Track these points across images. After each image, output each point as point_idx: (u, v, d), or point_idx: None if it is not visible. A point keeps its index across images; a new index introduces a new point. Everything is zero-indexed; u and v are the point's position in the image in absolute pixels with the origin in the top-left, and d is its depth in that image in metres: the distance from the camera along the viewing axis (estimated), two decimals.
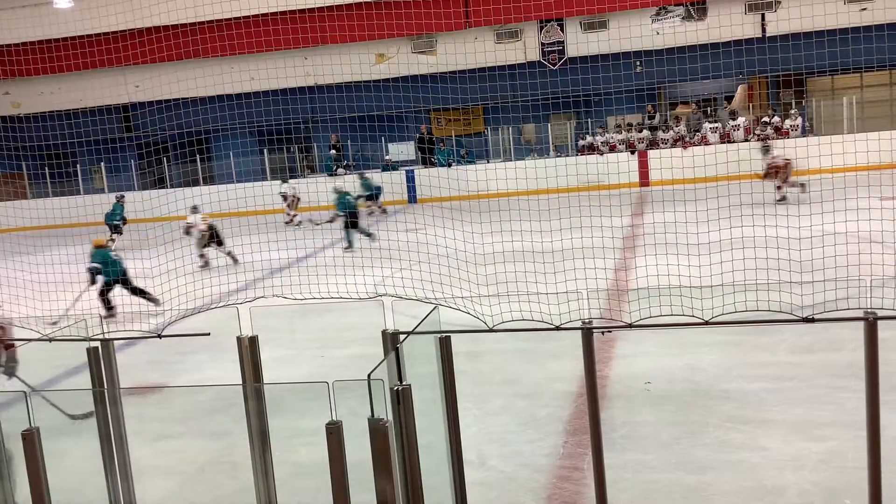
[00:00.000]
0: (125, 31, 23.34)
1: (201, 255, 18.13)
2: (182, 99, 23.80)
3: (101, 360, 4.65)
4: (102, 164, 26.59)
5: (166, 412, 7.41)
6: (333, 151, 26.80)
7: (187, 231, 18.77)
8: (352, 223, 18.20)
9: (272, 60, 24.58)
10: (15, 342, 9.65)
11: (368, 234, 18.24)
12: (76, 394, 4.74)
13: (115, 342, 4.78)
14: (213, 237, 18.74)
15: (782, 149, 19.49)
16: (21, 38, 25.46)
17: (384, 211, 23.29)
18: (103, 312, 13.37)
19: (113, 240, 21.30)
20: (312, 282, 13.30)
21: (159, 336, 5.13)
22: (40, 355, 8.83)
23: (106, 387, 4.64)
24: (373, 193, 22.58)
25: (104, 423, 4.61)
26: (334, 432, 3.96)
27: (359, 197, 21.08)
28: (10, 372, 7.12)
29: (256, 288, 13.37)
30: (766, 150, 19.10)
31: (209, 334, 4.97)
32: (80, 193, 25.44)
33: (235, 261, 17.62)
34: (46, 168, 25.88)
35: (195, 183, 25.35)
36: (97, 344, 4.67)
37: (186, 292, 12.84)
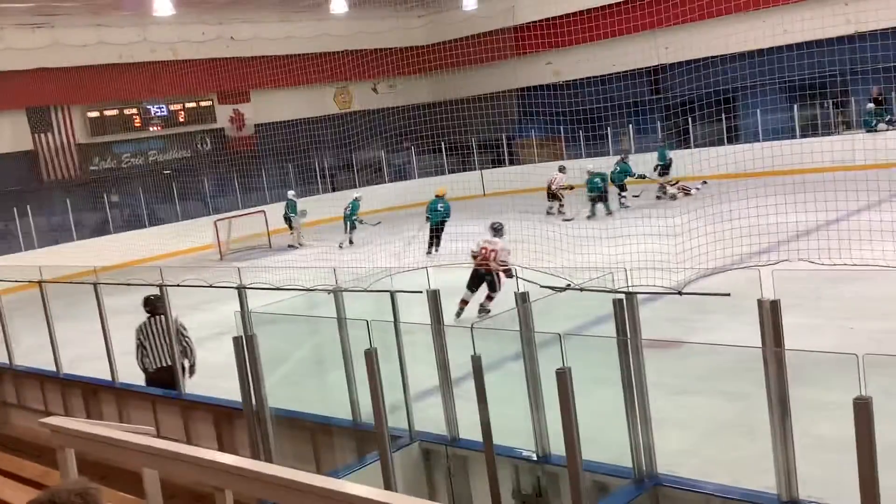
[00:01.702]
0: None
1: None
2: (710, 58, 23.71)
3: (624, 311, 4.90)
4: (630, 126, 27.70)
5: (684, 368, 7.57)
6: (872, 105, 24.40)
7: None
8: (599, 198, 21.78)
9: (806, 11, 23.10)
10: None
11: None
12: (602, 341, 5.08)
13: (639, 296, 5.00)
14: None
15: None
16: (564, 10, 27.64)
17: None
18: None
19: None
20: (843, 247, 12.41)
21: (679, 293, 5.23)
22: (573, 302, 9.59)
23: (628, 336, 4.88)
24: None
25: (626, 371, 4.87)
26: (863, 409, 3.68)
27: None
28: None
29: (781, 250, 12.88)
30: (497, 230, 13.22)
31: (729, 294, 4.93)
32: (608, 155, 26.84)
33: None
34: (580, 131, 27.80)
35: (719, 142, 25.14)
36: (622, 296, 4.93)
37: (707, 252, 12.91)
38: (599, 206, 21.91)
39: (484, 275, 12.18)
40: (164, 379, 8.50)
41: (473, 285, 12.32)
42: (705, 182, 22.74)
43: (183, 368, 8.40)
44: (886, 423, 3.76)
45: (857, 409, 3.67)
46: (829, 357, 5.27)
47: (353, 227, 22.63)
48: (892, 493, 3.82)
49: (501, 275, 12.11)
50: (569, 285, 5.69)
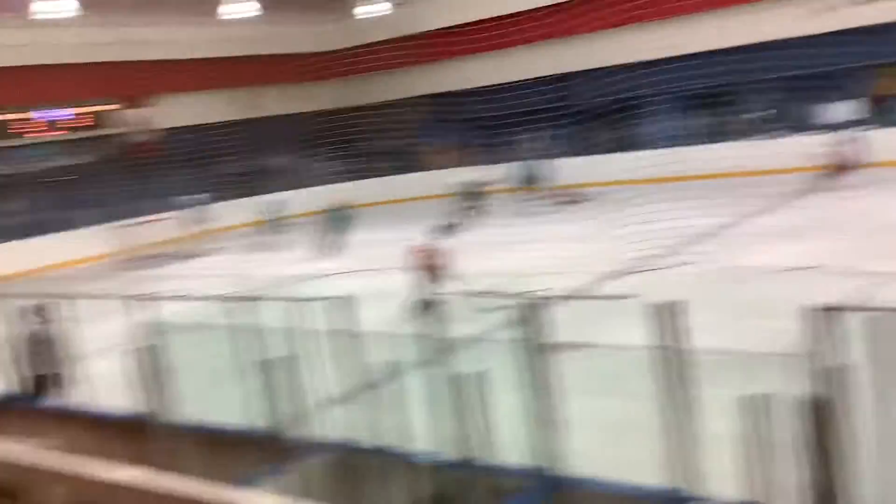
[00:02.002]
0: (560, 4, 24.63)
1: None
2: (615, 66, 24.36)
3: (531, 315, 5.01)
4: (536, 132, 28.06)
5: (588, 369, 7.74)
6: (765, 113, 25.48)
7: None
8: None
9: (706, 21, 24.02)
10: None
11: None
12: (510, 344, 5.17)
13: (545, 299, 5.11)
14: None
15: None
16: (477, 16, 27.92)
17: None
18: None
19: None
20: (740, 249, 12.92)
21: (584, 297, 5.36)
22: (481, 307, 9.71)
23: (535, 339, 4.98)
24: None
25: (533, 374, 4.97)
26: (755, 405, 3.85)
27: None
28: None
29: (681, 253, 13.30)
30: (441, 231, 13.40)
31: (631, 296, 5.09)
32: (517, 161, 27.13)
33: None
34: (489, 138, 27.98)
35: (622, 149, 25.77)
36: (529, 300, 5.03)
37: (610, 255, 13.24)
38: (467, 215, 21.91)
39: (423, 273, 12.17)
40: (44, 386, 8.74)
41: (420, 282, 12.35)
42: (588, 193, 23.12)
43: (59, 378, 8.69)
44: (778, 415, 3.95)
45: (744, 405, 3.83)
46: (726, 355, 5.49)
47: (276, 231, 22.50)
48: (782, 486, 4.01)
49: (436, 275, 12.09)
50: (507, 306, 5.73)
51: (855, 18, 22.20)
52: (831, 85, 23.03)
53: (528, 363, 4.98)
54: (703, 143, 24.84)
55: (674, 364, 4.45)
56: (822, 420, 3.88)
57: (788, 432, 3.96)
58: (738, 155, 21.70)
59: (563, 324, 5.47)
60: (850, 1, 22.24)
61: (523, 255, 13.67)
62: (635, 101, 26.15)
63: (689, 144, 24.86)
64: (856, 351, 4.01)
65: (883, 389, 4.01)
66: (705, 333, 4.74)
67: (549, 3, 26.12)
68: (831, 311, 4.00)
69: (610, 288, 10.94)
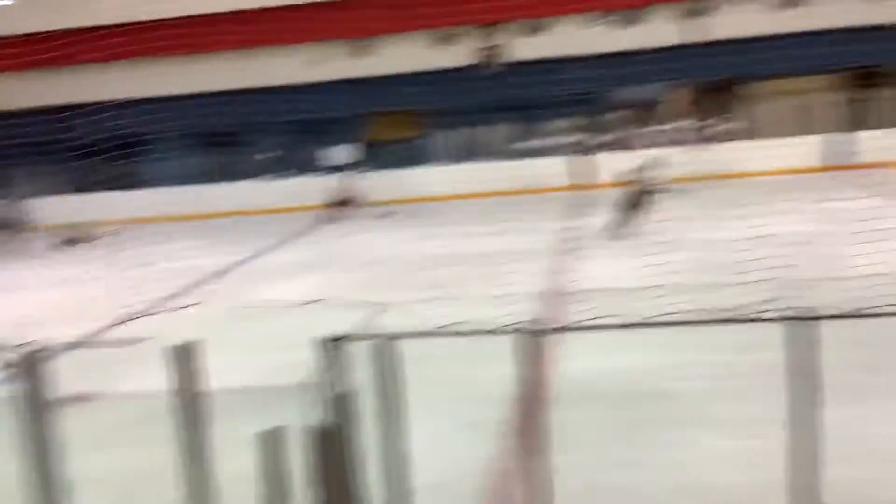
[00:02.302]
0: (68, 30, 23.10)
1: None
2: (119, 101, 23.41)
3: (34, 367, 4.53)
4: (31, 168, 25.95)
5: (100, 423, 7.26)
6: (273, 154, 26.68)
7: None
8: None
9: (218, 61, 24.41)
10: None
11: None
12: (8, 404, 4.61)
13: (42, 350, 4.66)
14: None
15: None
16: None
17: None
18: None
19: None
20: (248, 285, 13.22)
21: (93, 344, 5.01)
22: None
23: (37, 395, 4.51)
24: None
25: (32, 436, 4.48)
26: (269, 439, 3.92)
27: None
28: None
29: (192, 293, 13.18)
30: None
31: (144, 340, 4.89)
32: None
33: None
34: None
35: (125, 186, 24.99)
36: (31, 351, 4.55)
37: (121, 298, 12.61)
38: None
39: None
40: None
41: None
42: (90, 234, 22.07)
43: None
44: (292, 447, 4.06)
45: (260, 440, 3.88)
46: (244, 392, 5.54)
47: None
48: None
49: None
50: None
51: (354, 70, 24.51)
52: (333, 130, 24.96)
53: (29, 423, 4.48)
54: (213, 181, 25.10)
55: (192, 407, 4.35)
56: (330, 447, 4.09)
57: (302, 462, 4.10)
58: (248, 194, 22.32)
59: (72, 375, 5.06)
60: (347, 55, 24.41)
61: (17, 302, 12.39)
62: (144, 138, 25.53)
63: (199, 183, 24.95)
64: (361, 376, 4.34)
65: (384, 411, 4.37)
66: (224, 372, 4.73)
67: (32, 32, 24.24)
68: (338, 340, 4.26)
69: (122, 332, 10.41)
